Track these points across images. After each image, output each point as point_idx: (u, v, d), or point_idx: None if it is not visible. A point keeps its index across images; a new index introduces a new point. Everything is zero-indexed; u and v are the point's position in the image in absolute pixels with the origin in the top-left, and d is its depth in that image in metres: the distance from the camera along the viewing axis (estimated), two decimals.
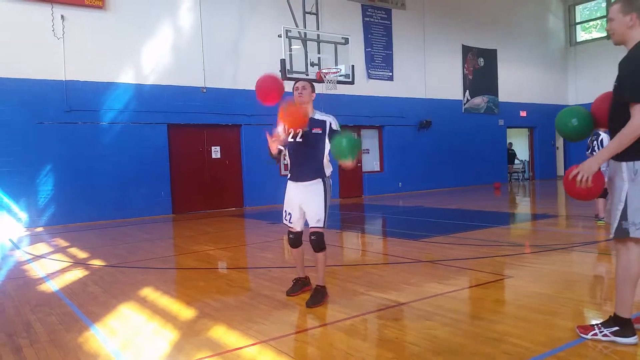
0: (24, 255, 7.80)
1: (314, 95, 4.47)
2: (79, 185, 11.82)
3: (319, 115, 4.41)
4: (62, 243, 8.90)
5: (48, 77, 11.51)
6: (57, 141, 11.60)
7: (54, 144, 11.56)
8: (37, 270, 6.54)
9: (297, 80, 4.49)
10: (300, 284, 4.75)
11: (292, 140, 4.38)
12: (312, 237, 4.34)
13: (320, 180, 4.36)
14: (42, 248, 8.47)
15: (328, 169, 4.43)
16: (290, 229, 4.56)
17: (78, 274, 6.18)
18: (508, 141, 21.34)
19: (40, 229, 11.19)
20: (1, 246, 9.09)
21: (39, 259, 7.35)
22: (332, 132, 4.30)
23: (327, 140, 4.33)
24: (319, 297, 4.34)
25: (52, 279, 5.90)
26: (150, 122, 12.78)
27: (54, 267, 6.65)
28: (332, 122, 4.36)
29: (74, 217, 11.73)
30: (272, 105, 4.38)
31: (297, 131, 4.29)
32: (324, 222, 4.34)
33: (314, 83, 4.60)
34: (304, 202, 4.39)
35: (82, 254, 7.61)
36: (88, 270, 6.40)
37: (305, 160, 4.37)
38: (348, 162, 3.97)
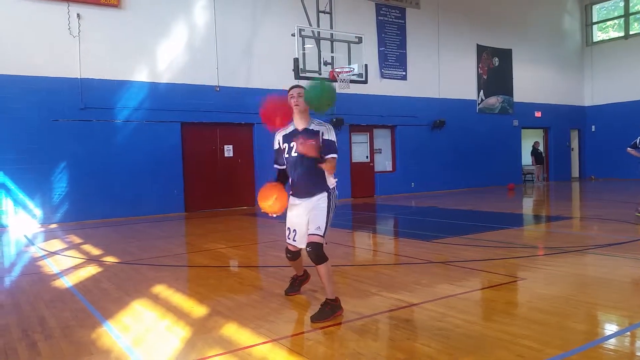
0: (38, 252, 7.89)
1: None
2: (93, 182, 11.94)
3: (314, 126, 4.14)
4: (76, 240, 8.99)
5: (63, 75, 11.64)
6: (72, 139, 11.72)
7: (69, 141, 11.69)
8: (51, 266, 6.61)
9: (291, 87, 4.22)
10: (298, 282, 4.75)
11: (287, 155, 4.16)
12: (308, 249, 3.97)
13: (325, 193, 4.12)
14: (56, 244, 8.56)
15: (331, 180, 4.17)
16: (291, 247, 4.36)
17: (91, 270, 6.24)
18: (535, 140, 21.09)
19: (54, 226, 11.33)
20: (16, 242, 9.21)
21: (53, 256, 7.43)
22: (324, 142, 4.04)
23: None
24: (326, 313, 3.92)
25: (66, 275, 5.97)
26: (164, 120, 12.87)
27: (68, 264, 6.72)
28: (325, 131, 4.09)
29: (88, 214, 11.85)
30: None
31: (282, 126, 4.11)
32: (325, 231, 4.05)
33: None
34: (309, 216, 4.14)
35: (95, 251, 7.68)
36: (101, 267, 6.46)
37: (305, 174, 4.10)
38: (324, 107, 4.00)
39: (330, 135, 4.11)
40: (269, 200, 4.06)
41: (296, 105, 4.11)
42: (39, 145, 11.35)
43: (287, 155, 4.18)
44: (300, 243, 4.24)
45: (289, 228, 4.30)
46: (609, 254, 6.23)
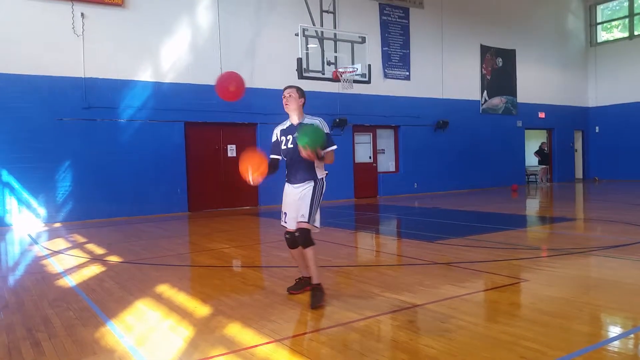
0: (42, 251, 7.91)
1: (302, 100, 4.58)
2: (97, 181, 11.96)
3: (307, 120, 4.52)
4: (80, 239, 9.02)
5: (67, 74, 11.67)
6: (76, 138, 11.75)
7: (73, 140, 11.72)
8: (55, 265, 6.63)
9: (285, 87, 4.61)
10: (302, 283, 4.78)
11: (284, 147, 4.54)
12: (296, 234, 4.42)
13: (311, 181, 4.48)
14: (60, 244, 8.59)
15: (321, 172, 4.54)
16: (286, 229, 4.64)
17: (95, 269, 6.25)
18: (541, 141, 21.04)
19: (58, 225, 11.36)
20: (20, 241, 9.24)
21: (56, 255, 7.46)
22: None
23: None
24: (319, 296, 4.34)
25: (70, 275, 5.98)
26: (167, 119, 12.89)
27: (71, 263, 6.74)
28: (318, 125, 4.41)
29: (92, 214, 11.87)
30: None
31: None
32: (309, 218, 4.39)
33: (301, 88, 4.66)
34: (297, 203, 4.49)
35: (99, 250, 7.70)
36: (105, 266, 6.47)
37: (297, 163, 4.46)
38: (308, 151, 4.16)
39: (324, 128, 4.43)
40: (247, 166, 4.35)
41: (286, 104, 4.55)
42: (43, 144, 11.38)
43: (284, 147, 4.57)
44: (290, 225, 4.58)
45: (284, 212, 4.67)
46: (613, 255, 6.22)
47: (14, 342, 3.69)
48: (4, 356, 3.43)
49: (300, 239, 4.39)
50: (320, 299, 4.32)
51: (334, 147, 4.45)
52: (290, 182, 4.58)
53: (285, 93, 4.56)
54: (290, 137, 4.49)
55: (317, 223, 4.52)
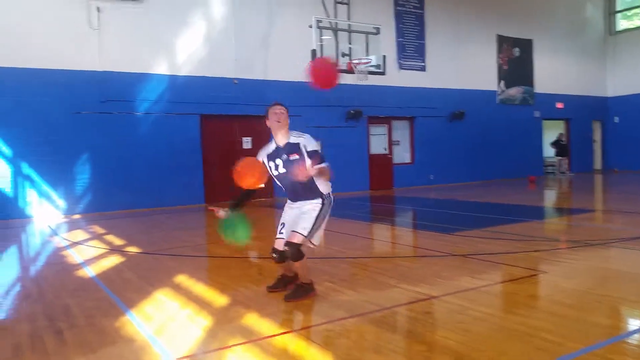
0: (62, 242, 8.04)
1: (288, 120, 4.29)
2: (114, 173, 12.10)
3: (294, 139, 4.22)
4: (99, 230, 9.14)
5: (84, 68, 11.77)
6: (94, 131, 11.88)
7: (91, 133, 11.84)
8: (74, 256, 6.73)
9: (272, 104, 4.30)
10: (284, 282, 4.56)
11: (276, 173, 4.25)
12: (286, 247, 4.11)
13: (320, 199, 4.22)
14: (79, 235, 8.71)
15: (325, 187, 4.27)
16: (277, 245, 4.27)
17: (114, 260, 6.34)
18: (559, 132, 20.79)
19: (77, 216, 11.52)
20: (41, 232, 9.39)
21: (76, 246, 7.57)
22: (308, 153, 4.12)
23: (307, 161, 4.10)
24: (299, 292, 4.27)
25: (89, 265, 6.07)
26: (183, 112, 12.97)
27: (91, 254, 6.84)
28: (306, 144, 4.16)
29: (110, 205, 12.02)
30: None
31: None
32: (309, 232, 4.13)
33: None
34: (300, 216, 4.24)
35: (118, 241, 7.80)
36: (124, 256, 6.56)
37: (295, 186, 4.19)
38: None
39: (311, 145, 4.17)
40: (252, 177, 3.96)
41: (278, 122, 4.20)
42: (61, 137, 11.53)
43: (275, 173, 4.27)
44: (286, 236, 4.25)
45: (282, 223, 4.39)
46: (633, 247, 6.13)
47: (37, 331, 3.77)
48: (27, 344, 3.51)
49: (289, 253, 4.08)
50: (300, 296, 4.23)
51: (325, 164, 4.13)
52: (294, 201, 4.33)
53: (277, 110, 4.22)
54: (279, 161, 4.19)
55: (316, 240, 4.26)
